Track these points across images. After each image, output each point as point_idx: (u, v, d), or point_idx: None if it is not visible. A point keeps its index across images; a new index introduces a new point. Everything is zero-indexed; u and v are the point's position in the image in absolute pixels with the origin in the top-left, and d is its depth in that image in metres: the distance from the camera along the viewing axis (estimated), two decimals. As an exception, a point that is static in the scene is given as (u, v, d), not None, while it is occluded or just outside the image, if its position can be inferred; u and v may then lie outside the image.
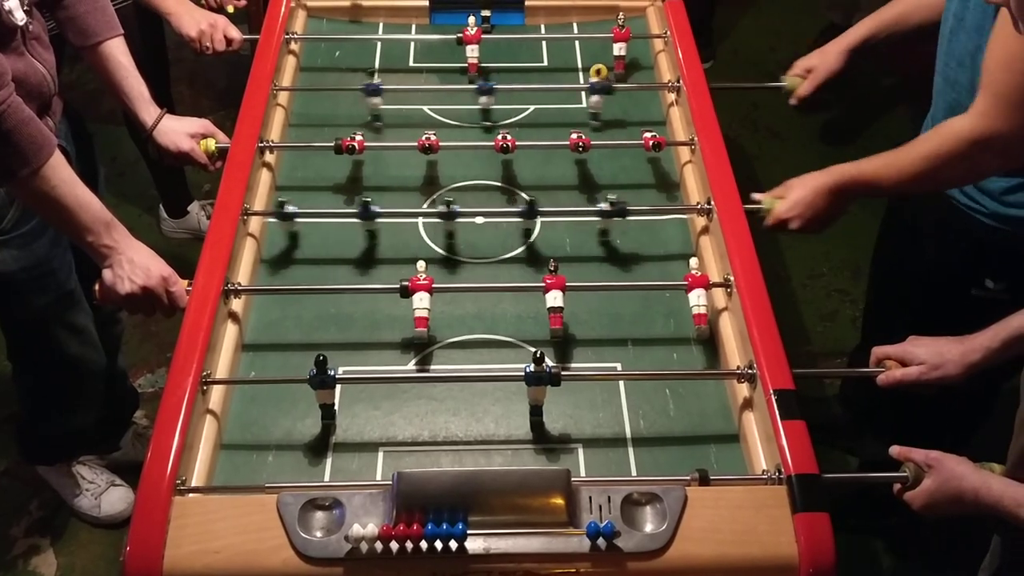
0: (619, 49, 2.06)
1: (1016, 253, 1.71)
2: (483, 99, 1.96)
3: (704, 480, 1.30)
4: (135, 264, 1.56)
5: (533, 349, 1.55)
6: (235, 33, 2.10)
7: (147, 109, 1.83)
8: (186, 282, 1.57)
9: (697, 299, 1.56)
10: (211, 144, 1.86)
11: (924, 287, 1.89)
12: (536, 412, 1.45)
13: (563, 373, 1.51)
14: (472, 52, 2.04)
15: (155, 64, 2.52)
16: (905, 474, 1.33)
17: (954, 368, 1.44)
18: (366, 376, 1.51)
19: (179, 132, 1.84)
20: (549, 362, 1.40)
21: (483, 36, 2.06)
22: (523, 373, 1.40)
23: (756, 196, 1.72)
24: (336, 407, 1.46)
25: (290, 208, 1.68)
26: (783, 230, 1.72)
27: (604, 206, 1.69)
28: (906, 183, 1.61)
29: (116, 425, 2.35)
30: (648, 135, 1.83)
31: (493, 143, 1.80)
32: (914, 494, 1.33)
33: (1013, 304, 1.47)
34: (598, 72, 1.92)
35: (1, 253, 1.73)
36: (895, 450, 1.36)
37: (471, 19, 2.06)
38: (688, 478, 1.31)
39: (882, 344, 1.53)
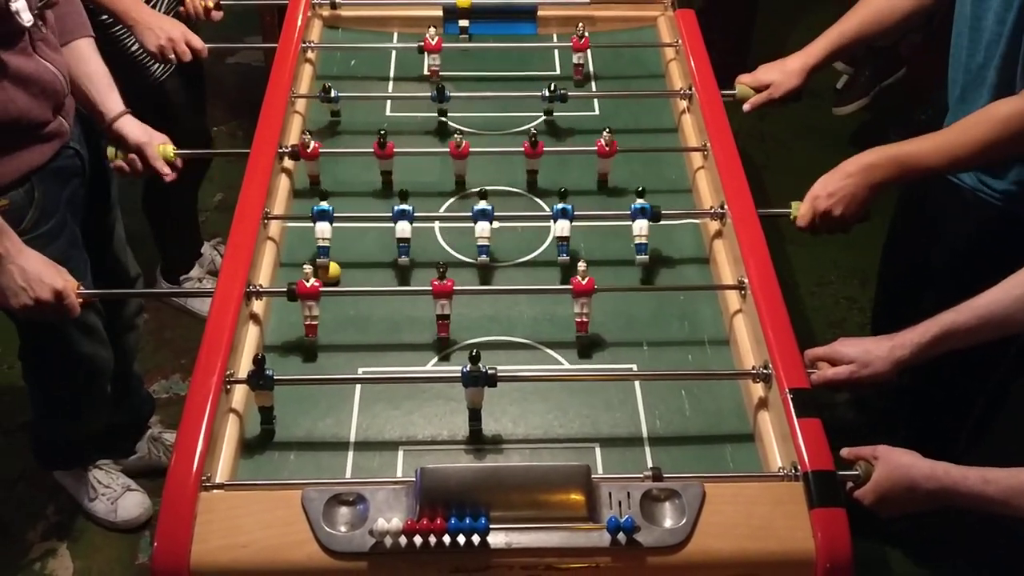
0: (577, 58, 2.10)
1: None
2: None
3: (658, 478, 1.30)
4: (26, 272, 1.57)
5: (550, 351, 1.59)
6: (197, 43, 2.09)
7: (112, 98, 1.85)
8: (76, 284, 1.60)
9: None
10: (169, 151, 1.87)
11: (947, 281, 1.89)
12: (475, 417, 1.46)
13: (580, 374, 1.55)
14: (434, 60, 2.09)
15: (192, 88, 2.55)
16: (856, 472, 1.34)
17: (882, 365, 1.44)
18: (385, 376, 1.53)
19: (140, 128, 1.86)
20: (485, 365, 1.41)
21: (491, 45, 2.10)
22: (460, 373, 1.41)
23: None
24: (275, 412, 1.46)
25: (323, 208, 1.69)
26: (818, 224, 1.70)
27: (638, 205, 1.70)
28: (956, 166, 1.62)
29: (132, 430, 2.37)
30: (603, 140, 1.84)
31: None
32: (864, 490, 1.33)
33: None
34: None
35: None
36: (845, 452, 1.37)
37: (431, 29, 2.08)
38: (642, 476, 1.31)
39: None
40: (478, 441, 1.46)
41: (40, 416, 2.19)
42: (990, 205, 1.74)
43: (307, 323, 1.57)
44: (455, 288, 1.55)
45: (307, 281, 1.55)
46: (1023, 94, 1.54)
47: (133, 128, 1.85)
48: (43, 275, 1.58)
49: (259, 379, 1.41)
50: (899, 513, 1.34)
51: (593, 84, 2.14)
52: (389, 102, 2.07)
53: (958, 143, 1.59)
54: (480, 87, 2.10)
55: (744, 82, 2.01)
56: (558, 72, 2.17)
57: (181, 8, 2.24)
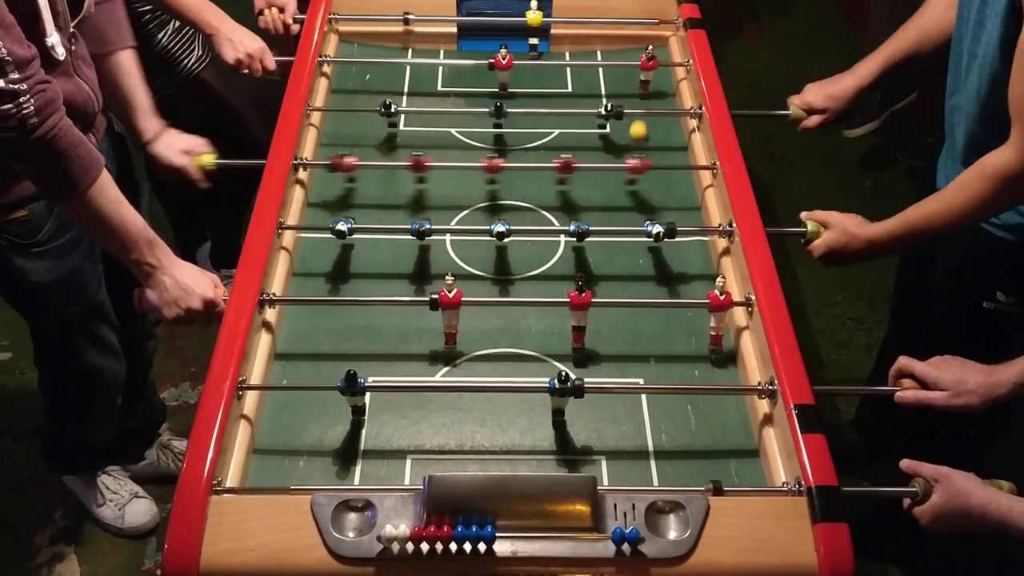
0: (645, 75, 2.15)
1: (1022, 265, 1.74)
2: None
3: (718, 491, 1.33)
4: (178, 284, 1.60)
5: (557, 364, 1.60)
6: (270, 63, 2.14)
7: (149, 120, 1.88)
8: (224, 290, 1.62)
9: (716, 321, 1.60)
10: (209, 159, 1.91)
11: (938, 302, 1.92)
12: (559, 414, 1.50)
13: (586, 386, 1.56)
14: (504, 77, 2.13)
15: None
16: (914, 489, 1.35)
17: (977, 400, 1.45)
18: (394, 385, 1.55)
19: (174, 148, 1.90)
20: (572, 376, 1.45)
21: (520, 63, 2.14)
22: (547, 386, 1.45)
23: (803, 215, 1.78)
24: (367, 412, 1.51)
25: (342, 226, 1.71)
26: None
27: (653, 229, 1.72)
28: (957, 224, 1.65)
29: (143, 437, 2.39)
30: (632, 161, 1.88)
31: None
32: (922, 510, 1.35)
33: None
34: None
35: (36, 264, 1.78)
36: (905, 463, 1.38)
37: (503, 49, 2.11)
38: (703, 488, 1.34)
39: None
40: (485, 452, 1.47)
41: (51, 421, 2.21)
42: (979, 231, 1.76)
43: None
44: (463, 300, 1.57)
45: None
46: (1008, 147, 1.55)
47: (168, 152, 1.89)
48: (196, 285, 1.60)
49: (353, 388, 1.44)
50: (951, 534, 1.35)
51: (604, 102, 2.16)
52: (403, 116, 2.09)
53: (957, 203, 1.62)
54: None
55: (795, 103, 2.05)
56: (570, 90, 2.20)
57: (259, 19, 2.28)
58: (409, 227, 1.72)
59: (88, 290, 1.89)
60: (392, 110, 1.98)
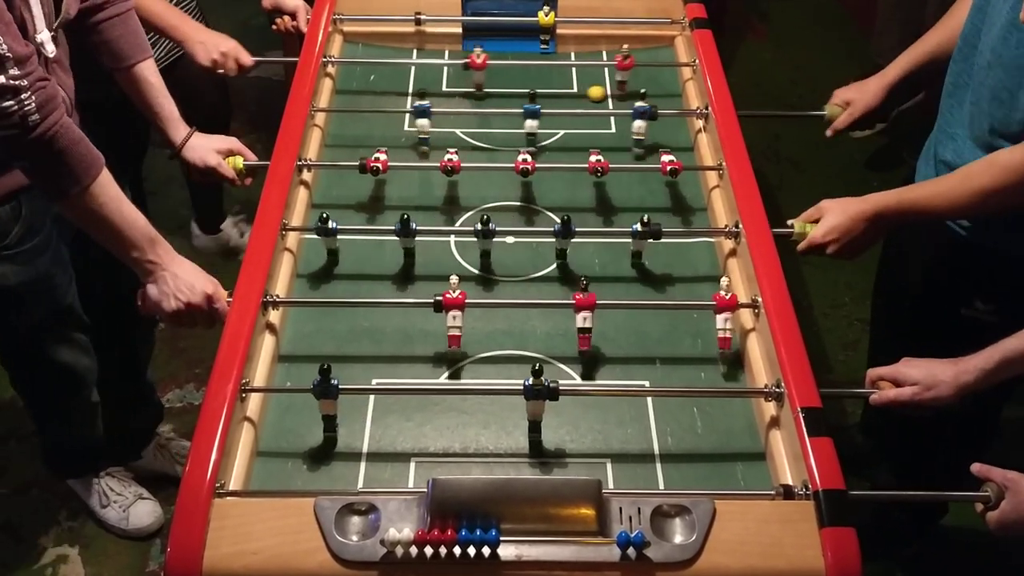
0: (622, 76, 2.15)
1: (1001, 272, 1.73)
2: (528, 122, 2.00)
3: (788, 495, 1.32)
4: (179, 280, 1.60)
5: (562, 366, 1.59)
6: (246, 59, 2.13)
7: (177, 128, 1.88)
8: (226, 293, 1.61)
9: (723, 323, 1.59)
10: (239, 161, 1.92)
11: (917, 308, 1.91)
12: (534, 429, 1.47)
13: (591, 389, 1.55)
14: (479, 77, 2.13)
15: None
16: (987, 494, 1.35)
17: (947, 389, 1.46)
18: (398, 388, 1.54)
19: (206, 148, 1.90)
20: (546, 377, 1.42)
21: (525, 63, 2.16)
22: (521, 387, 1.42)
23: (789, 221, 1.75)
24: (339, 420, 1.48)
25: (331, 224, 1.70)
26: (818, 254, 1.73)
27: (637, 227, 1.71)
28: (956, 213, 1.64)
29: (140, 436, 2.39)
30: (666, 159, 1.86)
31: (513, 165, 1.84)
32: (990, 516, 1.35)
33: (1002, 327, 1.49)
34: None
35: (3, 268, 1.76)
36: (975, 468, 1.38)
37: (477, 48, 2.13)
38: (772, 492, 1.33)
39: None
40: (489, 454, 1.46)
41: (37, 423, 2.21)
42: (953, 231, 1.75)
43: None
44: (467, 301, 1.56)
45: None
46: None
47: (200, 153, 1.89)
48: (195, 281, 1.60)
49: (325, 388, 1.42)
50: (1018, 539, 1.35)
51: (609, 102, 2.15)
52: (407, 116, 2.09)
53: (961, 190, 1.61)
54: (500, 103, 2.12)
55: (831, 103, 2.04)
56: (575, 90, 2.19)
57: (273, 26, 2.29)
58: (411, 228, 1.71)
59: (56, 293, 1.88)
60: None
